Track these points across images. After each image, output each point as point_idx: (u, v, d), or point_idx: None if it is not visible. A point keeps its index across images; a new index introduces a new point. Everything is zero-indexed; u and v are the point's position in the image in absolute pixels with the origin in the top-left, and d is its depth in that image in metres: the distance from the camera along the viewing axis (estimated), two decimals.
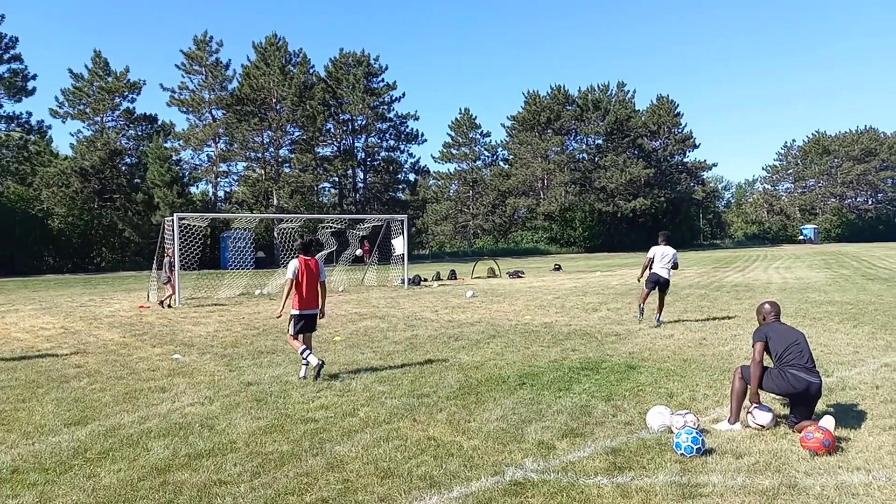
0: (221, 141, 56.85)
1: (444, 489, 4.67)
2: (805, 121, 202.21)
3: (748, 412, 5.93)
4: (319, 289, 8.69)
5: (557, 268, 36.45)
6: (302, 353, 8.47)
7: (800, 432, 5.45)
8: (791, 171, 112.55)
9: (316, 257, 8.75)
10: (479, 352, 10.11)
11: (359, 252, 27.40)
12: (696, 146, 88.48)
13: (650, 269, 12.89)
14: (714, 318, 13.42)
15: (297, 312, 8.52)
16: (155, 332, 13.41)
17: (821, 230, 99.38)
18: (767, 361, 6.06)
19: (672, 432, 5.57)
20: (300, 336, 8.59)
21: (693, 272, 29.70)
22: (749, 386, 5.88)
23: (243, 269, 31.35)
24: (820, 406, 6.19)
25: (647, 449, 5.40)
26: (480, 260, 38.68)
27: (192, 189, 59.70)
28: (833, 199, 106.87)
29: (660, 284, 12.80)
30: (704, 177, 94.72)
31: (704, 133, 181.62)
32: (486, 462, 5.19)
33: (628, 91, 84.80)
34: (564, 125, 78.84)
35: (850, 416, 6.15)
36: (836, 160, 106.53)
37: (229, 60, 56.20)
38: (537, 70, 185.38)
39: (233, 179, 61.28)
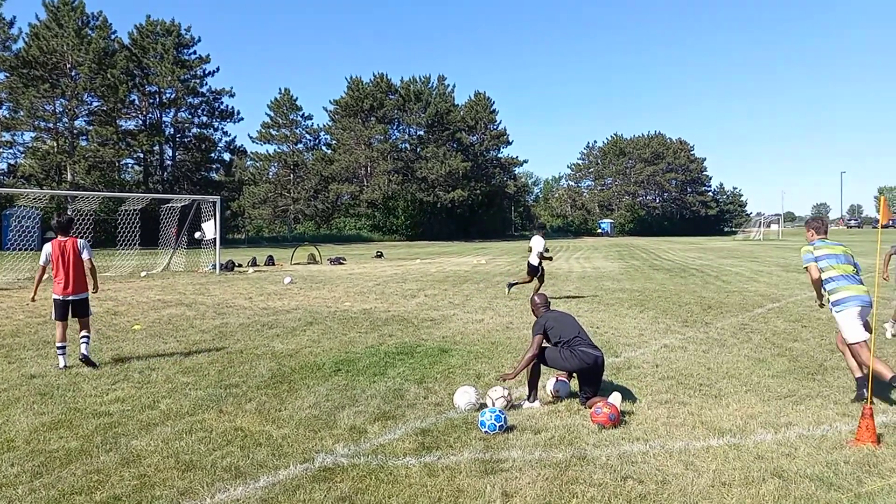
0: (4, 107, 50.44)
1: (249, 479, 4.52)
2: (606, 124, 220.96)
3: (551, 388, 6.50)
4: (86, 270, 8.16)
5: (379, 255, 36.69)
6: (58, 347, 7.90)
7: (590, 408, 5.95)
8: (592, 169, 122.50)
9: (75, 237, 8.18)
10: (295, 339, 9.90)
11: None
12: (509, 143, 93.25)
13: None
14: (520, 304, 14.23)
15: (58, 297, 7.98)
16: None
17: (616, 224, 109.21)
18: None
19: (483, 407, 5.84)
20: (66, 325, 7.99)
21: (504, 261, 31.25)
22: (541, 366, 6.33)
23: (28, 250, 28.12)
24: (607, 384, 6.81)
25: (455, 428, 5.61)
26: (301, 246, 37.91)
27: None
28: (627, 197, 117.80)
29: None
30: (516, 172, 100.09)
31: (517, 130, 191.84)
32: (295, 450, 5.10)
33: (448, 85, 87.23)
34: (387, 114, 79.42)
35: (632, 391, 6.81)
36: (630, 161, 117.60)
37: (14, 17, 49.98)
38: (360, 57, 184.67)
39: (18, 151, 54.68)
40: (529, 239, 14.25)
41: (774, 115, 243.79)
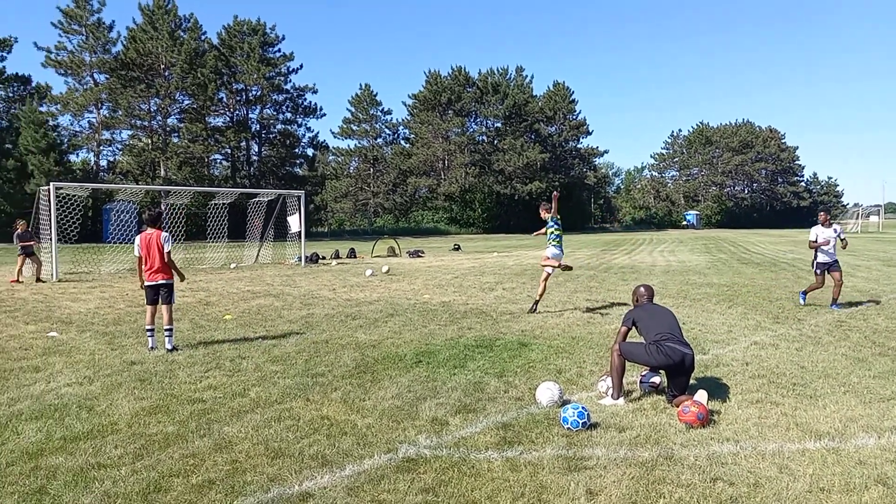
0: (104, 107, 53.47)
1: (336, 468, 4.63)
2: (691, 112, 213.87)
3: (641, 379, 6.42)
4: (167, 259, 8.76)
5: (457, 248, 36.87)
6: (146, 329, 8.76)
7: (677, 406, 5.78)
8: (676, 159, 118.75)
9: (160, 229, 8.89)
10: (377, 330, 10.07)
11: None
12: (589, 133, 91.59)
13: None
14: (602, 298, 13.98)
15: (148, 284, 8.72)
16: (28, 308, 12.51)
17: (702, 216, 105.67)
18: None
19: (565, 404, 5.78)
20: (154, 308, 8.71)
21: (583, 254, 30.80)
22: (626, 361, 6.19)
23: (127, 243, 29.74)
24: (695, 381, 6.60)
25: (536, 423, 5.57)
26: (381, 239, 38.53)
27: (72, 157, 55.85)
28: (714, 188, 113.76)
29: None
30: (596, 163, 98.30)
31: (597, 120, 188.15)
32: (379, 440, 5.19)
33: (526, 76, 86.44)
34: (465, 107, 79.45)
35: (721, 390, 6.58)
36: (717, 150, 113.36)
37: (113, 21, 52.88)
38: (439, 50, 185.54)
39: (116, 148, 57.92)
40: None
41: (873, 100, 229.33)
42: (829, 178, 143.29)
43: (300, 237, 25.09)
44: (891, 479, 4.41)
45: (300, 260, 24.72)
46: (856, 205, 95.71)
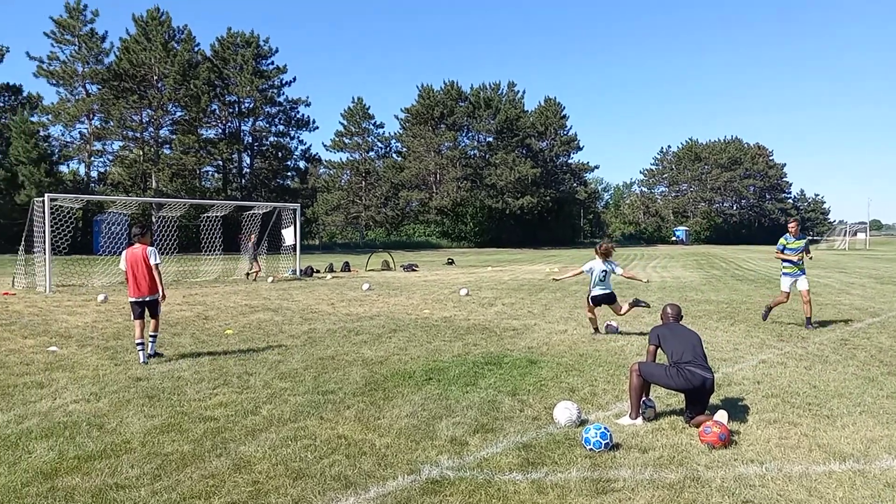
0: (96, 118, 53.17)
1: (359, 489, 4.54)
2: (680, 129, 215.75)
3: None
4: (154, 273, 8.93)
5: (450, 262, 36.82)
6: (136, 343, 8.81)
7: (697, 427, 5.74)
8: (666, 175, 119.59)
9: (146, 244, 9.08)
10: (382, 346, 9.99)
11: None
12: (580, 148, 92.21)
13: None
14: (603, 314, 13.94)
15: (132, 299, 8.93)
16: (25, 321, 12.33)
17: (691, 232, 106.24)
18: (662, 359, 6.36)
19: (583, 424, 5.73)
20: (142, 323, 8.83)
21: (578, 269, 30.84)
22: (645, 381, 6.14)
23: (118, 255, 29.49)
24: (711, 400, 6.56)
25: (557, 444, 5.50)
26: (374, 252, 38.44)
27: (63, 168, 55.51)
28: (703, 203, 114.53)
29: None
30: (587, 178, 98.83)
31: (588, 136, 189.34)
32: (400, 460, 5.11)
33: (518, 91, 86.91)
34: (457, 121, 79.74)
35: (737, 410, 6.55)
36: (706, 167, 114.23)
37: (106, 32, 52.42)
38: (431, 65, 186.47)
39: (108, 159, 57.53)
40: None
41: (859, 118, 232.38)
42: (816, 195, 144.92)
43: (295, 250, 24.96)
44: None
45: (294, 273, 24.56)
46: (842, 222, 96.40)
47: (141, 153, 54.77)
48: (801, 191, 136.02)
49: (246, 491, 4.50)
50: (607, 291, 11.38)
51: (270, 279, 23.08)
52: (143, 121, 54.67)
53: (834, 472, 4.92)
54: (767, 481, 4.74)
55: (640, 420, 6.08)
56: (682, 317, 6.68)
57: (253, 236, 24.29)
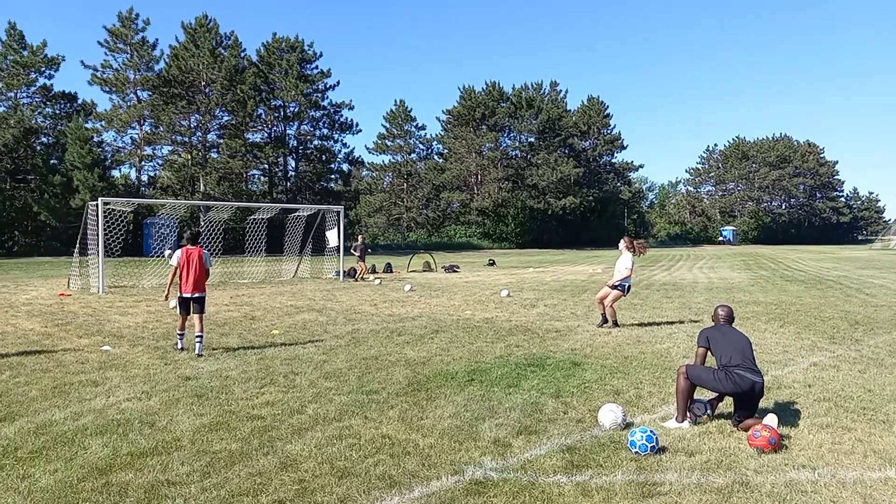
0: (147, 123, 54.61)
1: (404, 489, 4.58)
2: (727, 126, 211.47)
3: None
4: (202, 274, 9.72)
5: (492, 263, 36.76)
6: (178, 332, 9.78)
7: (746, 430, 5.62)
8: (712, 174, 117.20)
9: (201, 246, 9.92)
10: (425, 347, 10.03)
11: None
12: (623, 147, 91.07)
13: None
14: (647, 316, 13.77)
15: (180, 295, 9.62)
16: (80, 321, 12.74)
17: (738, 232, 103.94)
18: (711, 361, 6.24)
19: (629, 427, 5.67)
20: (186, 316, 9.66)
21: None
22: (693, 384, 6.03)
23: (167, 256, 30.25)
24: (761, 404, 6.42)
25: (602, 447, 5.45)
26: (416, 254, 38.62)
27: (114, 172, 57.21)
28: (750, 203, 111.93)
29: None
30: (631, 177, 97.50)
31: (632, 134, 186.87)
32: (443, 461, 5.13)
33: (560, 91, 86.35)
34: (499, 122, 79.54)
35: (788, 414, 6.39)
36: (753, 165, 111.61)
37: (156, 40, 54.02)
38: (473, 66, 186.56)
39: (157, 164, 59.03)
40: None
41: None
42: (870, 192, 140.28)
43: (339, 252, 25.25)
44: None
45: (338, 274, 24.85)
46: None
47: (189, 157, 56.06)
48: (854, 189, 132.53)
49: (292, 489, 4.57)
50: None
51: (377, 281, 23.64)
52: (192, 126, 55.95)
53: (890, 478, 4.77)
54: (820, 487, 4.62)
55: (686, 423, 5.98)
56: (733, 318, 6.51)
57: (360, 237, 26.69)
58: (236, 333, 11.39)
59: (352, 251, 26.17)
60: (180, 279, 9.59)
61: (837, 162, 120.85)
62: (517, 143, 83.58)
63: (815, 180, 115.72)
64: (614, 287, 12.19)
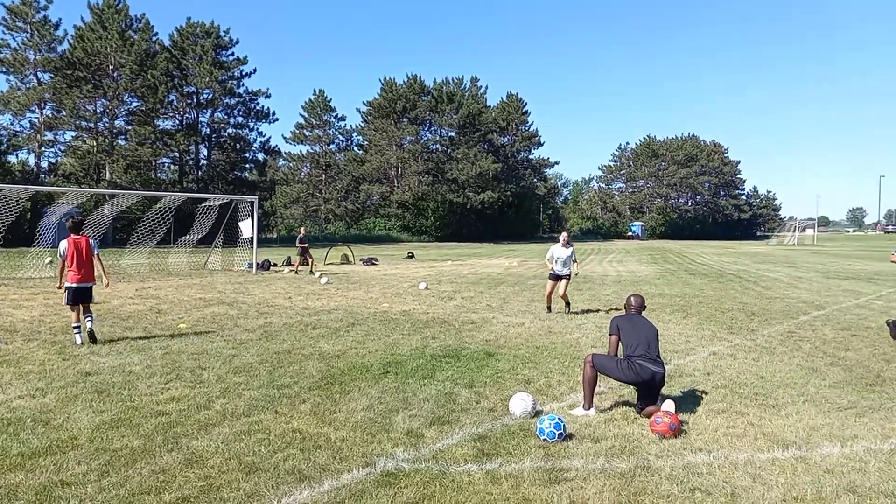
0: (48, 107, 51.46)
1: (314, 483, 4.53)
2: (638, 126, 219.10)
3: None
4: (96, 262, 9.71)
5: (410, 256, 36.77)
6: (73, 327, 9.41)
7: (648, 417, 5.86)
8: (623, 171, 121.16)
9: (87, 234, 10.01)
10: (340, 340, 9.94)
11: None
12: (540, 144, 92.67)
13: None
14: (558, 307, 14.11)
15: (71, 285, 9.41)
16: None
17: (647, 227, 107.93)
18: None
19: (539, 414, 5.80)
20: (78, 306, 9.41)
21: (535, 263, 31.11)
22: (598, 373, 6.22)
23: (50, 247, 28.69)
24: (663, 390, 6.71)
25: (512, 435, 5.56)
26: (334, 246, 38.14)
27: (11, 158, 53.69)
28: (659, 199, 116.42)
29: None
30: (547, 174, 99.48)
31: (548, 132, 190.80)
32: (355, 453, 5.10)
33: (481, 87, 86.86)
34: (420, 115, 79.42)
35: (687, 400, 6.70)
36: (663, 163, 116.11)
37: (59, 20, 50.73)
38: (393, 58, 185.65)
39: (59, 150, 55.70)
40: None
41: (810, 117, 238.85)
42: (768, 191, 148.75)
43: (252, 243, 24.64)
44: (859, 487, 4.55)
45: (251, 266, 24.25)
46: (791, 218, 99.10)
47: (94, 144, 53.27)
48: (754, 188, 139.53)
49: (198, 486, 4.44)
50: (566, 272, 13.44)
51: (325, 280, 20.22)
52: (98, 111, 53.13)
53: (777, 459, 5.08)
54: (714, 469, 4.87)
55: (593, 411, 6.18)
56: (644, 307, 6.75)
57: (303, 229, 26.39)
58: (141, 327, 10.95)
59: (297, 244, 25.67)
60: (69, 269, 9.43)
61: (740, 162, 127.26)
62: (438, 137, 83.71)
63: (720, 179, 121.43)
64: (568, 277, 13.41)
